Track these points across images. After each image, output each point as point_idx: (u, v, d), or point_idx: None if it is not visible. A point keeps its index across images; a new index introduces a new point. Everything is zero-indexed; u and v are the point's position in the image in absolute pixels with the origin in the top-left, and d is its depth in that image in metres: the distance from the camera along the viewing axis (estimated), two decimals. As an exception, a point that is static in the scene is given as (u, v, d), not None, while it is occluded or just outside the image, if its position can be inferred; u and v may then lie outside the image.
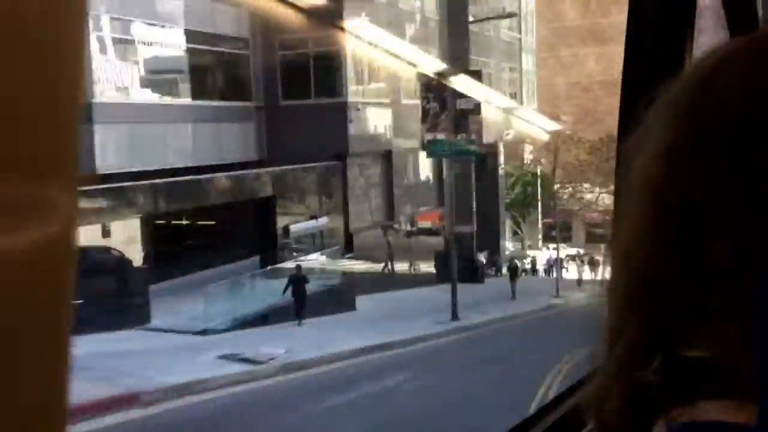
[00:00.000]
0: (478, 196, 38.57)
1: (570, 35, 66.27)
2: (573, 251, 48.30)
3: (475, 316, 22.54)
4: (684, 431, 0.64)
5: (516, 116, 41.95)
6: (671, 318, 0.68)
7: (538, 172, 47.54)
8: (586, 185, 45.14)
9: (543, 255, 47.89)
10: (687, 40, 1.79)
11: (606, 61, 65.31)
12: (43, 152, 0.37)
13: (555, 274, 40.76)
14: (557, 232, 44.79)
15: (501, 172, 40.85)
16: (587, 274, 41.34)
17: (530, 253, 49.03)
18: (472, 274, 34.71)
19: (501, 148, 38.93)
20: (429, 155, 24.80)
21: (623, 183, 0.76)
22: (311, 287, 21.15)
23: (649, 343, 0.69)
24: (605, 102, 60.69)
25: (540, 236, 52.34)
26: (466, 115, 26.27)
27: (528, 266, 44.61)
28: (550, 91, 63.05)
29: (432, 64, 30.81)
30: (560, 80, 66.07)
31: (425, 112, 26.62)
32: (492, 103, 43.47)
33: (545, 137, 43.59)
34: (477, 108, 26.97)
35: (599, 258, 43.11)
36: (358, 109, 25.55)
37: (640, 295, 0.71)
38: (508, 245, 48.61)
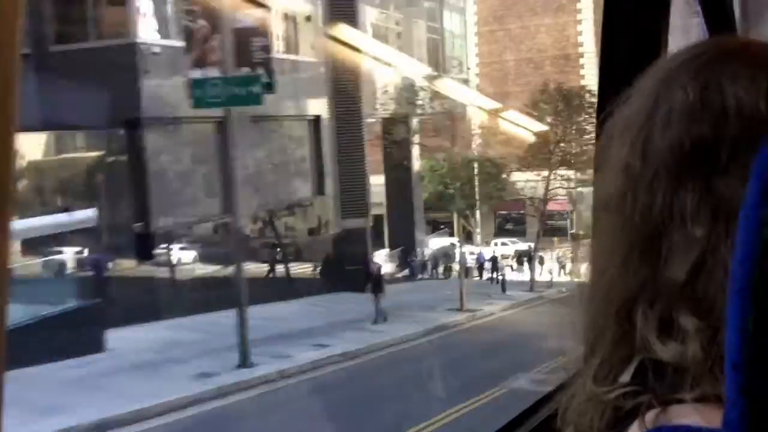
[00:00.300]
0: (387, 181, 32.66)
1: (519, 4, 59.91)
2: (525, 246, 42.77)
3: (299, 356, 14.86)
4: None
5: (502, 117, 35.74)
6: (643, 329, 0.69)
7: (474, 157, 41.50)
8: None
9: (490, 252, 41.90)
10: (663, 29, 1.79)
11: (557, 33, 59.19)
12: None
13: (482, 277, 34.96)
14: (493, 225, 39.02)
15: (417, 153, 33.98)
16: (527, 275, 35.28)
17: (474, 249, 43.07)
18: (364, 281, 27.43)
19: (414, 124, 31.79)
20: (195, 104, 16.58)
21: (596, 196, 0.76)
22: (28, 315, 13.52)
23: (624, 352, 0.71)
24: (556, 80, 54.34)
25: (478, 230, 46.14)
26: (247, 38, 17.64)
27: (456, 265, 38.63)
28: (501, 68, 56.84)
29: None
30: (509, 56, 59.73)
31: (189, 35, 17.96)
32: (475, 105, 37.05)
33: (531, 138, 37.99)
34: (263, 28, 18.24)
35: (541, 254, 37.48)
36: (156, 53, 17.69)
37: (614, 307, 0.71)
38: (454, 240, 42.54)
